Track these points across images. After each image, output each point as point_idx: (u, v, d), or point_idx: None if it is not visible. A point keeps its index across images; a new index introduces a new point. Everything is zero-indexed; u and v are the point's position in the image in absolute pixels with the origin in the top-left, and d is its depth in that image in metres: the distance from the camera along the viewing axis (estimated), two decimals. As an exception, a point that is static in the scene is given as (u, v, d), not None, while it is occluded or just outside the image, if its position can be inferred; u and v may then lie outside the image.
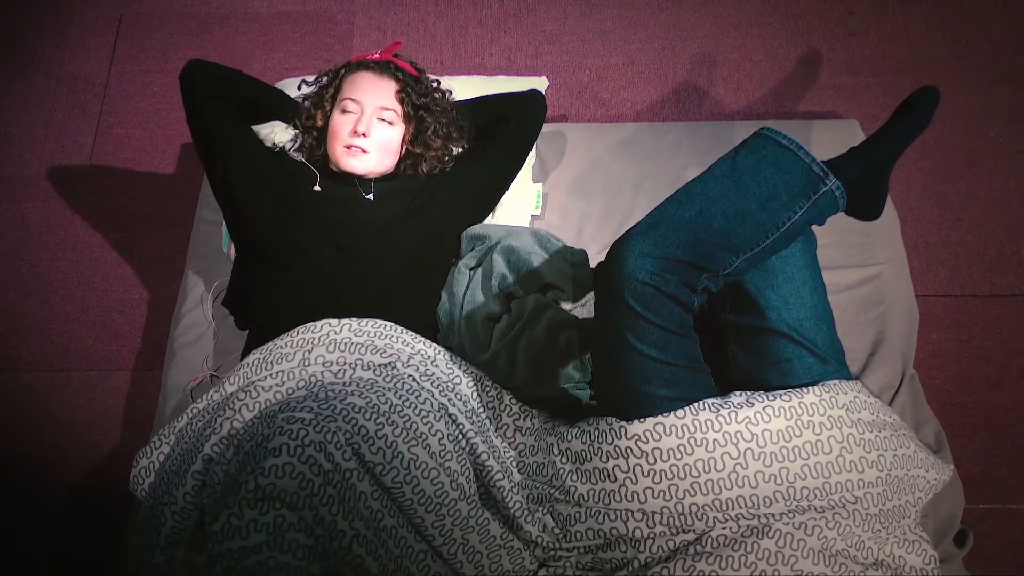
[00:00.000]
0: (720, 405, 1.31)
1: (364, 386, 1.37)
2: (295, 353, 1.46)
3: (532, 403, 1.52)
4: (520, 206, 1.88)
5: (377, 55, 1.73)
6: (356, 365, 1.45)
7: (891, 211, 1.89)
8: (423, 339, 1.54)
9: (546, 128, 1.97)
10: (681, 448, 1.28)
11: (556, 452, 1.39)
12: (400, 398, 1.36)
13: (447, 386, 1.46)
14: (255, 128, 1.79)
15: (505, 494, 1.36)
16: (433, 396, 1.40)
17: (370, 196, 1.68)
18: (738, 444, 1.28)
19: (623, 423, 1.31)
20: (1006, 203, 2.18)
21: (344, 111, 1.66)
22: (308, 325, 1.49)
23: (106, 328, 2.10)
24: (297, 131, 1.77)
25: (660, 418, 1.29)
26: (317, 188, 1.67)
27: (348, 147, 1.64)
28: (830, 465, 1.29)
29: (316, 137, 1.73)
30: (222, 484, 1.29)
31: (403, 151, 1.71)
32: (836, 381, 1.36)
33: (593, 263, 1.72)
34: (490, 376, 1.54)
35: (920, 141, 2.06)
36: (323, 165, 1.73)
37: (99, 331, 2.10)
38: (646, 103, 2.39)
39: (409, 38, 2.52)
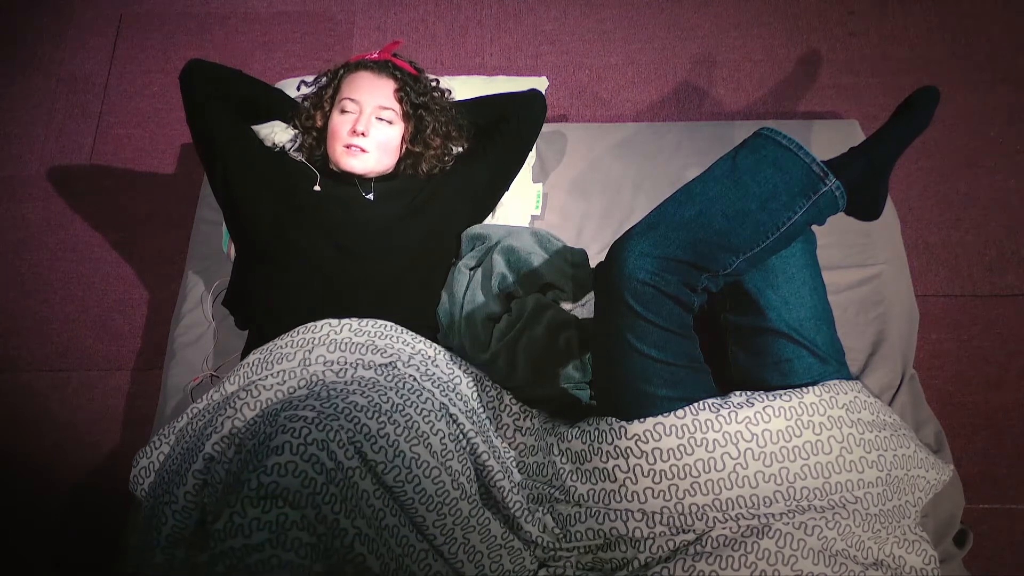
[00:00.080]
0: (720, 405, 1.31)
1: (366, 385, 1.37)
2: (295, 353, 1.46)
3: (532, 403, 1.52)
4: (520, 206, 1.88)
5: (376, 55, 1.73)
6: (357, 365, 1.45)
7: (891, 211, 1.89)
8: (423, 339, 1.54)
9: (546, 128, 1.97)
10: (681, 448, 1.28)
11: (556, 452, 1.39)
12: (402, 397, 1.36)
13: (448, 386, 1.46)
14: (255, 128, 1.79)
15: (505, 494, 1.36)
16: (434, 396, 1.40)
17: (370, 196, 1.68)
18: (738, 444, 1.28)
19: (623, 423, 1.31)
20: (1006, 203, 2.18)
21: (343, 111, 1.66)
22: (308, 325, 1.49)
23: (106, 328, 2.10)
24: (297, 131, 1.77)
25: (660, 418, 1.29)
26: (317, 188, 1.67)
27: (348, 147, 1.64)
28: (830, 465, 1.29)
29: (316, 137, 1.73)
30: (223, 483, 1.29)
31: (403, 150, 1.71)
32: (836, 381, 1.36)
33: (593, 263, 1.72)
34: (490, 376, 1.54)
35: (920, 141, 2.06)
36: (323, 165, 1.73)
37: (99, 331, 2.10)
38: (646, 103, 2.39)
39: (409, 38, 2.52)
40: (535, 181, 1.95)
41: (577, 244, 1.83)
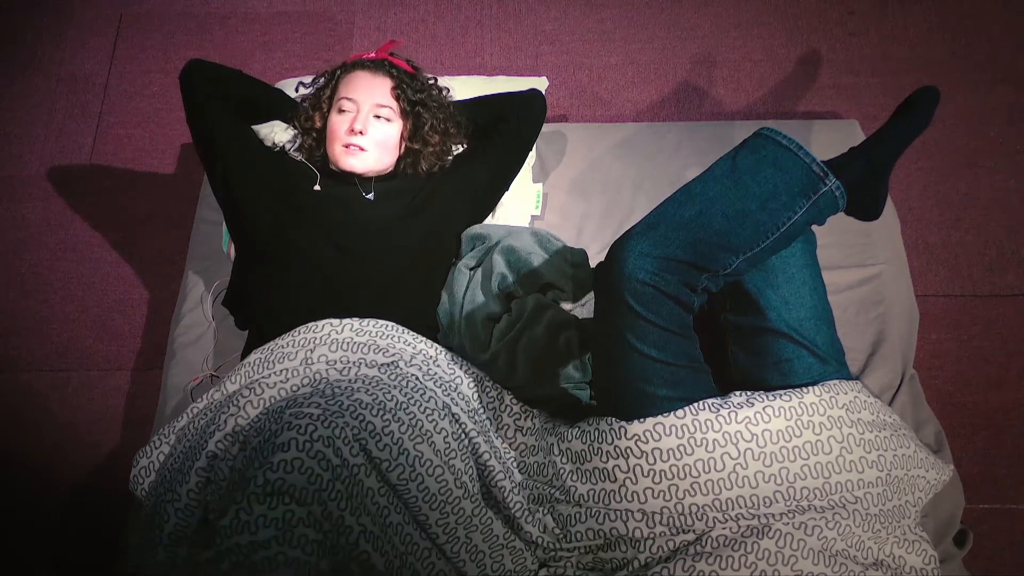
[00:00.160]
0: (720, 405, 1.31)
1: (370, 383, 1.37)
2: (297, 352, 1.46)
3: (532, 403, 1.52)
4: (520, 206, 1.88)
5: (372, 54, 1.73)
6: (360, 364, 1.45)
7: (891, 211, 1.89)
8: (424, 339, 1.54)
9: (546, 128, 1.97)
10: (681, 448, 1.28)
11: (556, 452, 1.39)
12: (405, 396, 1.36)
13: (450, 386, 1.47)
14: (255, 128, 1.79)
15: (506, 494, 1.36)
16: (437, 395, 1.41)
17: (370, 196, 1.68)
18: (738, 444, 1.28)
19: (623, 423, 1.31)
20: (1006, 203, 2.18)
21: (341, 110, 1.66)
22: (309, 325, 1.49)
23: (106, 328, 2.10)
24: (297, 132, 1.77)
25: (660, 418, 1.29)
26: (317, 188, 1.67)
27: (346, 146, 1.64)
28: (830, 465, 1.29)
29: (315, 138, 1.74)
30: (227, 480, 1.29)
31: (402, 149, 1.71)
32: (836, 381, 1.36)
33: (593, 263, 1.72)
34: (490, 376, 1.54)
35: (920, 141, 2.06)
36: (323, 165, 1.73)
37: (99, 331, 2.10)
38: (646, 103, 2.39)
39: (409, 38, 2.52)
40: (535, 181, 1.95)
41: (577, 244, 1.83)
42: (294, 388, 1.41)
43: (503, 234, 1.69)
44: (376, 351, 1.48)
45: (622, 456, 1.30)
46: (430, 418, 1.35)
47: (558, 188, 1.95)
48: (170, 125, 2.39)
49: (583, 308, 1.66)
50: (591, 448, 1.34)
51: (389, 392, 1.35)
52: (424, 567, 1.28)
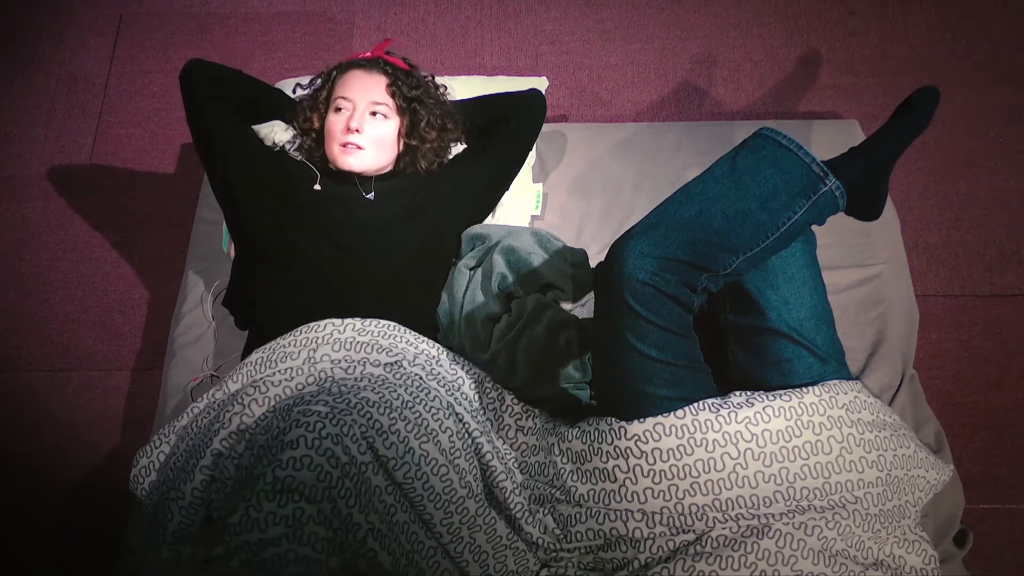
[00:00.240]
0: (720, 405, 1.31)
1: (375, 382, 1.38)
2: (300, 352, 1.46)
3: (532, 403, 1.52)
4: (520, 206, 1.88)
5: (368, 54, 1.73)
6: (364, 363, 1.46)
7: (891, 211, 1.89)
8: (426, 339, 1.54)
9: (546, 128, 1.97)
10: (681, 448, 1.28)
11: (557, 452, 1.39)
12: (411, 395, 1.36)
13: (452, 385, 1.47)
14: (255, 128, 1.79)
15: (507, 495, 1.36)
16: (441, 395, 1.41)
17: (370, 196, 1.68)
18: (738, 444, 1.28)
19: (623, 423, 1.31)
20: (1006, 203, 2.18)
21: (338, 110, 1.67)
22: (311, 325, 1.49)
23: (106, 328, 2.10)
24: (296, 132, 1.77)
25: (660, 418, 1.29)
26: (317, 187, 1.67)
27: (344, 145, 1.64)
28: (830, 465, 1.29)
29: (314, 139, 1.74)
30: (233, 478, 1.29)
31: (400, 146, 1.71)
32: (836, 381, 1.36)
33: (593, 263, 1.72)
34: (490, 376, 1.54)
35: (920, 141, 2.06)
36: (323, 165, 1.73)
37: (99, 331, 2.10)
38: (646, 103, 2.39)
39: (409, 38, 2.52)
40: (535, 181, 1.95)
41: (577, 244, 1.83)
42: (299, 386, 1.41)
43: (503, 234, 1.69)
44: (379, 351, 1.48)
45: (622, 456, 1.30)
46: (435, 417, 1.35)
47: (558, 188, 1.95)
48: (170, 125, 2.39)
49: (583, 308, 1.66)
50: (591, 448, 1.34)
51: (395, 391, 1.35)
52: (429, 566, 1.28)
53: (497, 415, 1.48)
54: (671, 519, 1.29)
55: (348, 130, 1.64)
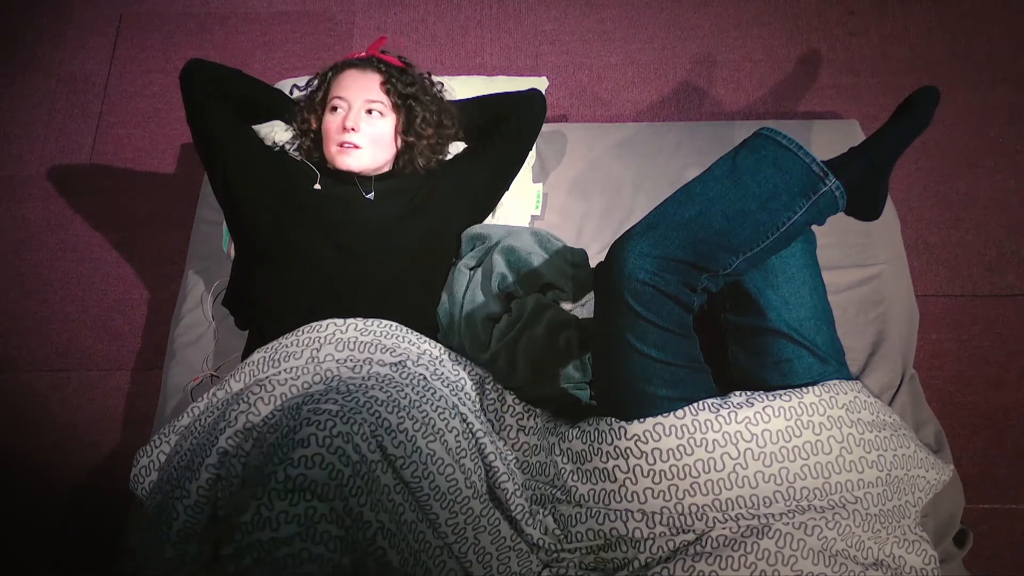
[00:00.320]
0: (720, 405, 1.31)
1: (383, 381, 1.38)
2: (303, 351, 1.46)
3: (532, 403, 1.52)
4: (520, 206, 1.88)
5: (363, 53, 1.74)
6: (369, 362, 1.46)
7: (891, 211, 1.89)
8: (427, 339, 1.55)
9: (546, 128, 1.97)
10: (681, 448, 1.28)
11: (558, 452, 1.39)
12: (417, 394, 1.36)
13: (456, 386, 1.47)
14: (255, 128, 1.79)
15: (508, 496, 1.36)
16: (446, 395, 1.41)
17: (370, 196, 1.68)
18: (738, 444, 1.28)
19: (623, 423, 1.31)
20: (1006, 203, 2.18)
21: (334, 109, 1.67)
22: (313, 325, 1.49)
23: (106, 328, 2.10)
24: (295, 134, 1.77)
25: (660, 418, 1.29)
26: (317, 187, 1.67)
27: (341, 145, 1.64)
28: (830, 465, 1.29)
29: (313, 140, 1.74)
30: (240, 477, 1.29)
31: (398, 144, 1.71)
32: (836, 381, 1.36)
33: (593, 263, 1.72)
34: (491, 376, 1.54)
35: (920, 141, 2.06)
36: (323, 165, 1.73)
37: (99, 331, 2.10)
38: (646, 103, 2.39)
39: (409, 38, 2.52)
40: (535, 181, 1.95)
41: (577, 244, 1.83)
42: (305, 385, 1.41)
43: (503, 234, 1.69)
44: (383, 351, 1.48)
45: (622, 456, 1.30)
46: (441, 417, 1.35)
47: (558, 188, 1.95)
48: (170, 125, 2.39)
49: (583, 308, 1.66)
50: (591, 448, 1.34)
51: (402, 390, 1.36)
52: (436, 565, 1.28)
53: (498, 415, 1.48)
54: (671, 519, 1.29)
55: (344, 129, 1.64)
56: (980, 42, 2.43)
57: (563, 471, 1.37)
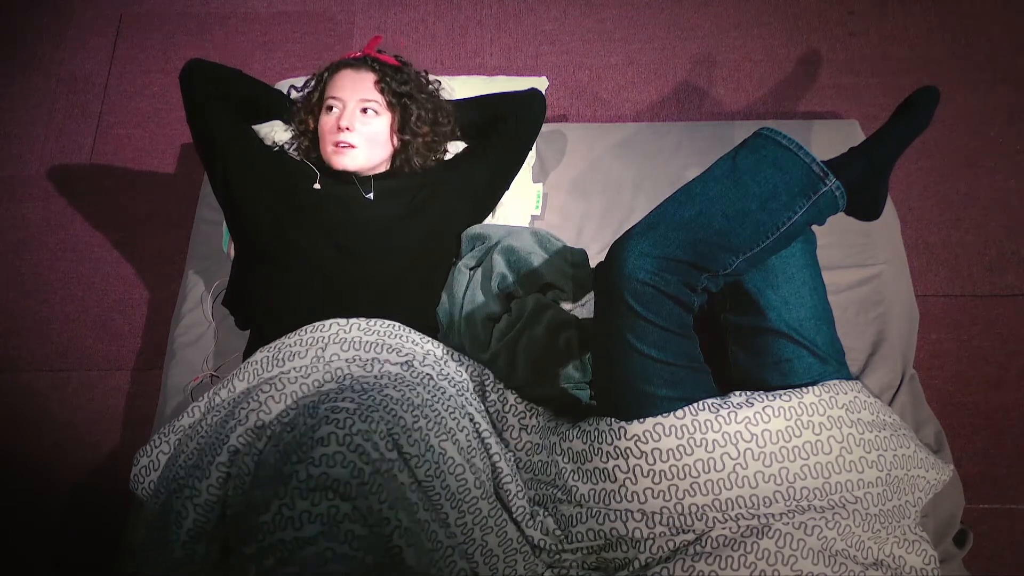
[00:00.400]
0: (720, 405, 1.31)
1: (395, 380, 1.38)
2: (308, 351, 1.46)
3: (533, 403, 1.52)
4: (520, 206, 1.88)
5: (358, 53, 1.74)
6: (377, 361, 1.46)
7: (891, 211, 1.89)
8: (430, 339, 1.55)
9: (546, 128, 1.97)
10: (681, 448, 1.28)
11: (558, 452, 1.39)
12: (429, 393, 1.37)
13: (462, 385, 1.48)
14: (255, 128, 1.79)
15: (511, 497, 1.36)
16: (454, 395, 1.41)
17: (370, 196, 1.68)
18: (738, 444, 1.28)
19: (623, 423, 1.31)
20: (1006, 203, 2.18)
21: (329, 109, 1.67)
22: (315, 324, 1.49)
23: (106, 328, 2.10)
24: (294, 134, 1.78)
25: (660, 418, 1.29)
26: (317, 186, 1.67)
27: (336, 144, 1.64)
28: (830, 465, 1.29)
29: (311, 139, 1.74)
30: (251, 474, 1.28)
31: (395, 143, 1.71)
32: (836, 381, 1.36)
33: (593, 263, 1.72)
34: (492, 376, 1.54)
35: (920, 141, 2.06)
36: (322, 165, 1.73)
37: (99, 331, 2.10)
38: (646, 103, 2.39)
39: (409, 38, 2.52)
40: (535, 181, 1.95)
41: (577, 244, 1.83)
42: (316, 383, 1.41)
43: (503, 234, 1.69)
44: (389, 350, 1.48)
45: (622, 456, 1.30)
46: (452, 416, 1.36)
47: (558, 188, 1.95)
48: (170, 125, 2.39)
49: (583, 308, 1.66)
50: (591, 448, 1.34)
51: (414, 389, 1.36)
52: (447, 565, 1.28)
53: (500, 415, 1.49)
54: (671, 519, 1.29)
55: (339, 129, 1.64)
56: (980, 42, 2.43)
57: (564, 471, 1.37)
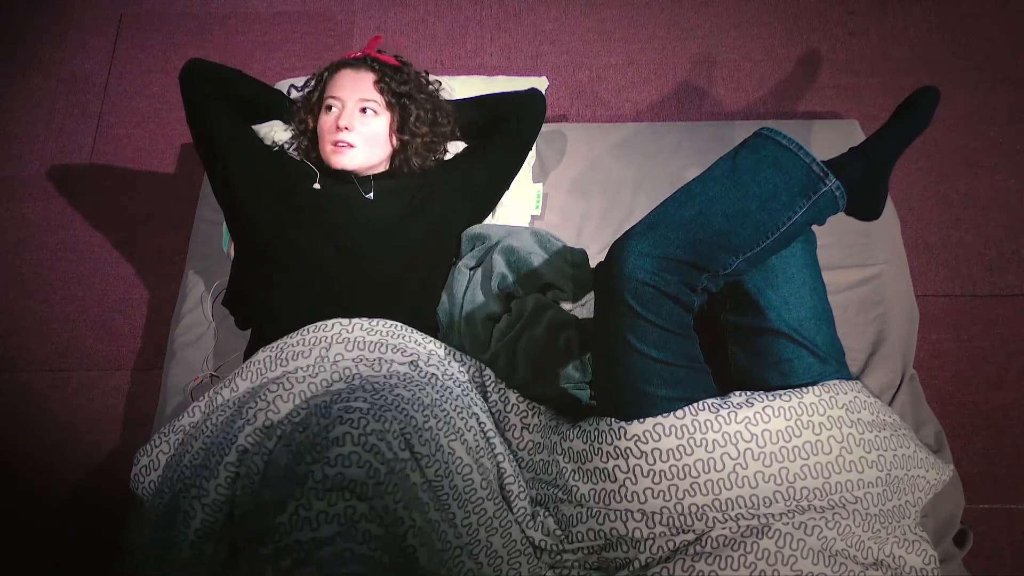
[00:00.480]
0: (720, 405, 1.31)
1: (404, 379, 1.38)
2: (311, 351, 1.46)
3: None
4: (520, 206, 1.88)
5: (358, 53, 1.74)
6: (383, 361, 1.46)
7: (891, 211, 1.89)
8: (431, 339, 1.55)
9: (546, 128, 1.97)
10: (681, 448, 1.28)
11: (559, 451, 1.39)
12: (437, 393, 1.37)
13: (466, 385, 1.48)
14: (255, 128, 1.79)
15: (513, 498, 1.36)
16: (460, 394, 1.41)
17: (370, 196, 1.68)
18: (738, 444, 1.28)
19: (623, 423, 1.31)
20: (1006, 203, 2.18)
21: (328, 108, 1.67)
22: (317, 324, 1.49)
23: (106, 328, 2.10)
24: (294, 134, 1.78)
25: (660, 418, 1.29)
26: (317, 186, 1.67)
27: (335, 144, 1.64)
28: (830, 465, 1.29)
29: (310, 139, 1.74)
30: (260, 473, 1.28)
31: (394, 142, 1.71)
32: (836, 381, 1.36)
33: (593, 263, 1.72)
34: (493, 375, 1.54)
35: (920, 141, 2.06)
36: (322, 165, 1.73)
37: (99, 331, 2.10)
38: (646, 103, 2.39)
39: (409, 38, 2.52)
40: (535, 181, 1.95)
41: (577, 244, 1.83)
42: (324, 383, 1.41)
43: (503, 234, 1.69)
44: (394, 350, 1.48)
45: (622, 456, 1.30)
46: (460, 416, 1.36)
47: (558, 188, 1.95)
48: (170, 125, 2.39)
49: (583, 308, 1.66)
50: (591, 448, 1.34)
51: (423, 389, 1.36)
52: (455, 565, 1.28)
53: (502, 415, 1.49)
54: (671, 519, 1.29)
55: (338, 128, 1.64)
56: (980, 42, 2.43)
57: (564, 470, 1.37)
